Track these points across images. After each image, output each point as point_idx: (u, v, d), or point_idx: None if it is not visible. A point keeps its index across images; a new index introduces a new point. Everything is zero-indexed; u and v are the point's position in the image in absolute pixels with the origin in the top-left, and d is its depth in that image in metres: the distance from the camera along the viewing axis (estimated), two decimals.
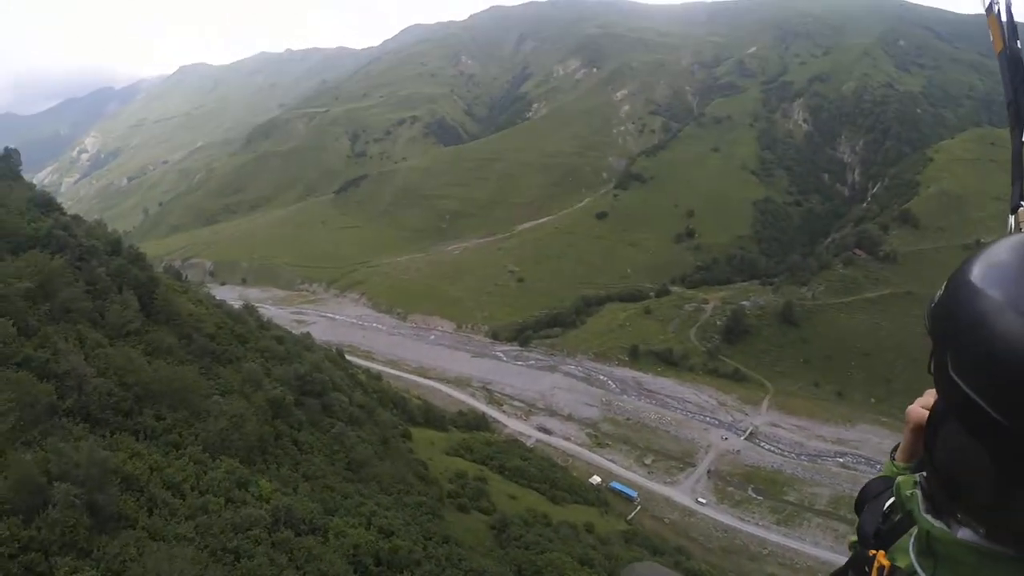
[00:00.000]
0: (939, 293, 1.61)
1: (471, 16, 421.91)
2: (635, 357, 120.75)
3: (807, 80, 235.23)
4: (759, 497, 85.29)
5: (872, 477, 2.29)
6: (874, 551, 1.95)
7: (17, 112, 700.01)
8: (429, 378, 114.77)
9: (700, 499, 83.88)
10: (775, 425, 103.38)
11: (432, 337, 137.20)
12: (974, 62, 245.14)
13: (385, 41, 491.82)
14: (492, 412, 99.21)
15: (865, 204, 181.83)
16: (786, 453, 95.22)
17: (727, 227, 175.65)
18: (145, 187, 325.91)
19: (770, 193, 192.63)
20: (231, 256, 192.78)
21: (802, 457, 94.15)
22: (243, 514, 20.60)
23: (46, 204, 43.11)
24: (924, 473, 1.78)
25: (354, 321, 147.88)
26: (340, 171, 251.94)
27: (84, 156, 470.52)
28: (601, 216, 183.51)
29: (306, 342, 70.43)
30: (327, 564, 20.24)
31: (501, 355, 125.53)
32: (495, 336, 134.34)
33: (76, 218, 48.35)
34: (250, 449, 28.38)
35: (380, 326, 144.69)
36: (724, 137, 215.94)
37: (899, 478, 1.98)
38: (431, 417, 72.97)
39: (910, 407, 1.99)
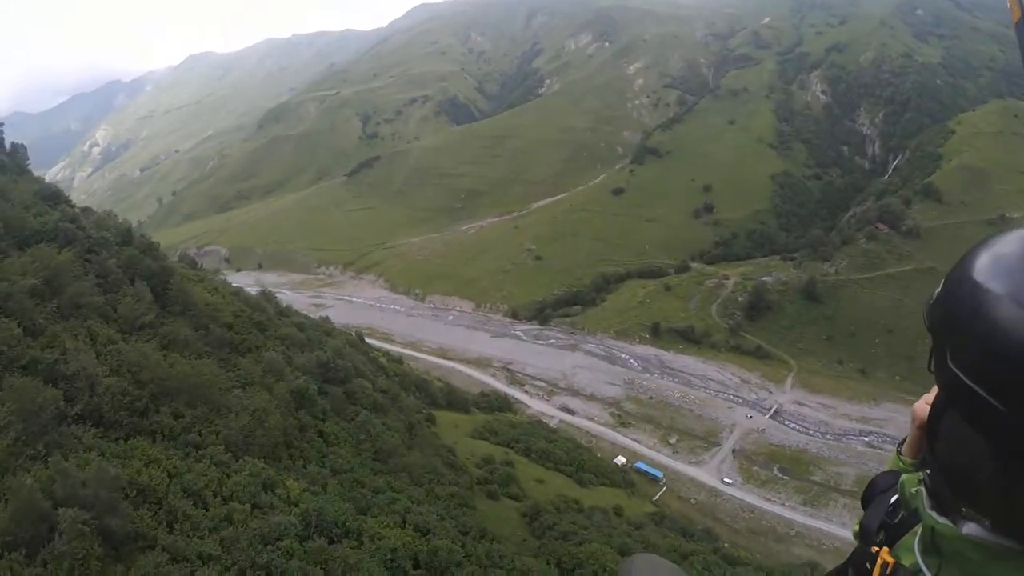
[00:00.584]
0: (937, 290, 1.66)
1: None
2: (656, 335, 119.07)
3: (824, 51, 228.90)
4: (785, 477, 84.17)
5: (879, 472, 2.29)
6: (877, 548, 1.96)
7: (26, 110, 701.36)
8: (449, 359, 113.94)
9: (726, 479, 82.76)
10: (800, 403, 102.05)
11: (451, 318, 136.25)
12: (994, 32, 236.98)
13: (393, 21, 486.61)
14: (514, 393, 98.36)
15: (886, 177, 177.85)
16: (811, 432, 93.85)
17: (745, 202, 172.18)
18: (158, 177, 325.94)
19: (788, 167, 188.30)
20: (246, 242, 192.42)
21: (827, 436, 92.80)
22: (272, 522, 19.16)
23: (53, 197, 41.53)
24: (928, 471, 1.79)
25: (372, 303, 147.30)
26: (352, 153, 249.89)
27: (95, 150, 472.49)
28: (617, 192, 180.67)
29: (326, 327, 69.44)
30: (365, 574, 18.87)
31: (521, 334, 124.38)
32: (514, 315, 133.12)
33: (86, 210, 47.11)
34: (275, 445, 26.99)
35: (398, 307, 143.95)
36: (740, 110, 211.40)
37: (904, 476, 2.00)
38: (454, 399, 72.22)
39: (916, 404, 1.98)
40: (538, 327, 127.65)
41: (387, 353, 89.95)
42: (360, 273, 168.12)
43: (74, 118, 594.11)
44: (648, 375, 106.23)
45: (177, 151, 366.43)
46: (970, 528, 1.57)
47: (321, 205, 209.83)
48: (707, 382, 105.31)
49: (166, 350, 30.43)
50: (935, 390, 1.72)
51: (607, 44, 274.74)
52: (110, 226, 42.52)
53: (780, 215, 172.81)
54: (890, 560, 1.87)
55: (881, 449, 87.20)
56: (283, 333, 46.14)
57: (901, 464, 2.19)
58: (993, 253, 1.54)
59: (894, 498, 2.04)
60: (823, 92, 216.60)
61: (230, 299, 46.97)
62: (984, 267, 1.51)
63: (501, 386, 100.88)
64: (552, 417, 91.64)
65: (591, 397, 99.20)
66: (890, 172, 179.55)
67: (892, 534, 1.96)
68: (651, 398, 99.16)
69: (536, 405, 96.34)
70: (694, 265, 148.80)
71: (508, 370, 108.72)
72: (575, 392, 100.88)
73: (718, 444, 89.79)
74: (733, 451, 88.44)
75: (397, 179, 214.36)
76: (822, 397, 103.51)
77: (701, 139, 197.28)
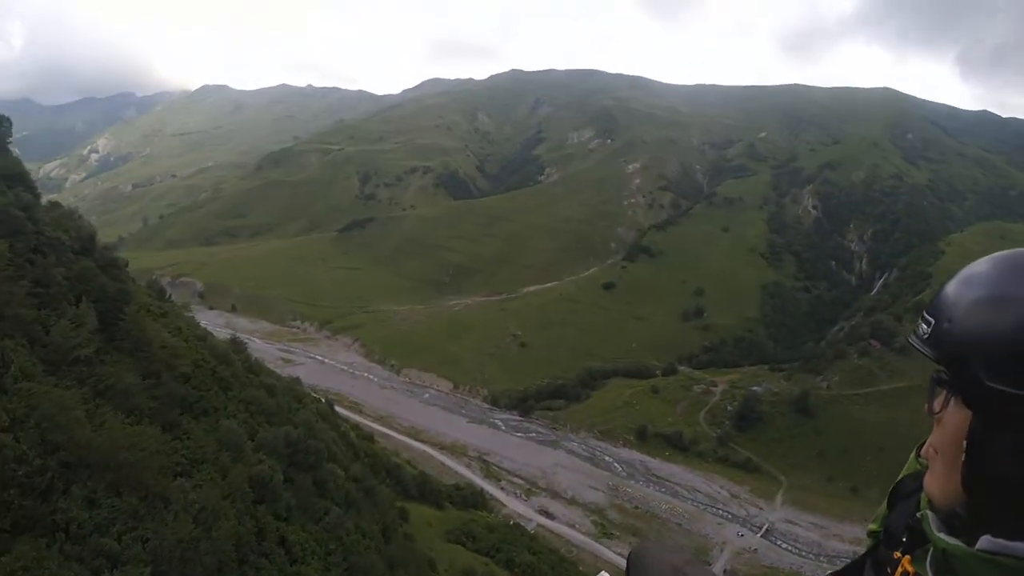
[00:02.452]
0: (932, 324, 1.71)
1: (490, 76, 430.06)
2: (643, 438, 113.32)
3: (817, 167, 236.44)
4: None
5: (905, 474, 2.24)
6: (899, 554, 1.93)
7: (36, 100, 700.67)
8: (421, 441, 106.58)
9: None
10: (791, 522, 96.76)
11: (427, 396, 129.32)
12: (978, 158, 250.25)
13: (405, 90, 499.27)
14: (489, 488, 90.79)
15: (875, 293, 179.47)
16: (804, 553, 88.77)
17: (735, 308, 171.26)
18: (149, 197, 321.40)
19: (779, 277, 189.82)
20: (224, 280, 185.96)
21: (821, 558, 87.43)
22: None
23: (16, 179, 35.49)
24: (966, 497, 1.72)
25: (344, 368, 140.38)
26: (347, 210, 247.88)
27: (94, 156, 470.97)
28: (608, 287, 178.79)
29: (297, 391, 63.14)
30: None
31: (500, 424, 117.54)
32: (494, 402, 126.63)
33: (53, 205, 40.82)
34: (221, 566, 20.69)
35: (372, 376, 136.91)
36: (735, 218, 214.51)
37: (923, 494, 1.94)
38: (427, 491, 65.34)
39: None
40: (519, 418, 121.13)
41: (356, 427, 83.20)
42: (336, 334, 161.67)
43: (80, 120, 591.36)
44: (633, 482, 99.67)
45: (174, 176, 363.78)
46: (984, 544, 1.56)
47: (307, 256, 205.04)
48: (695, 494, 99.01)
49: (98, 399, 24.19)
50: (943, 430, 1.75)
51: (608, 141, 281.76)
52: (71, 227, 36.05)
53: (769, 325, 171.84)
54: (911, 569, 1.86)
55: None
56: (249, 395, 39.92)
57: (919, 465, 2.13)
58: (1011, 267, 1.62)
59: (918, 503, 2.00)
60: (814, 207, 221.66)
61: (193, 344, 40.11)
62: (1010, 280, 1.57)
63: (476, 479, 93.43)
64: (530, 520, 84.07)
65: (572, 501, 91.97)
66: (877, 289, 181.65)
67: (914, 541, 1.92)
68: (636, 507, 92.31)
69: (513, 504, 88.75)
70: (682, 368, 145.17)
71: (484, 461, 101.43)
72: (555, 494, 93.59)
73: (708, 563, 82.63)
74: (724, 571, 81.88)
75: (388, 244, 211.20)
76: (814, 516, 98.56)
77: (695, 243, 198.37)
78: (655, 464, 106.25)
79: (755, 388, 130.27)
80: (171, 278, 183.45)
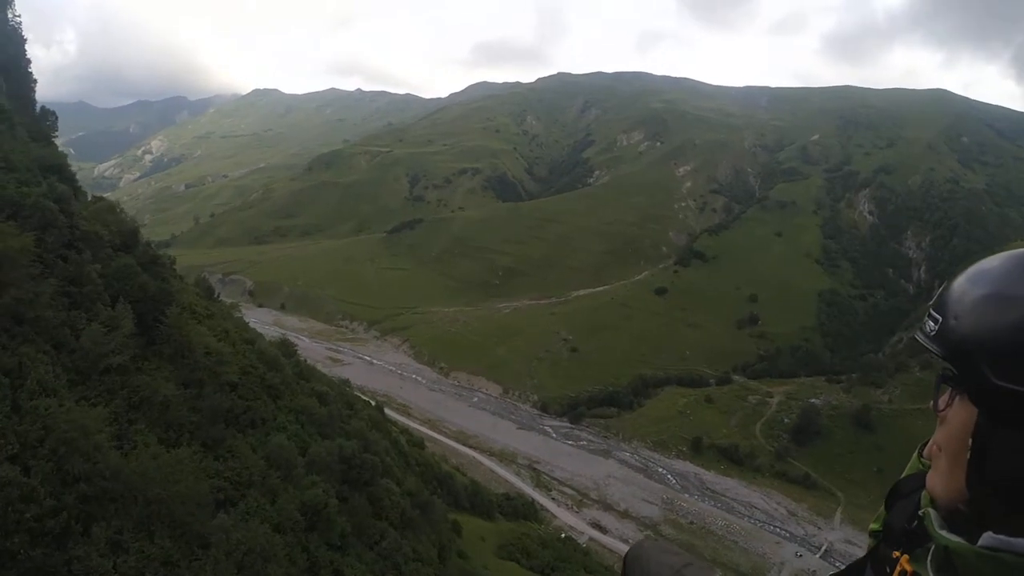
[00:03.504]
0: (939, 320, 1.71)
1: (538, 79, 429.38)
2: (697, 451, 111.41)
3: (872, 171, 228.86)
4: None
5: (905, 475, 2.26)
6: (898, 552, 1.95)
7: (91, 103, 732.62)
8: (470, 446, 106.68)
9: None
10: (850, 542, 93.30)
11: (476, 399, 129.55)
12: None
13: (452, 94, 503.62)
14: (539, 498, 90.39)
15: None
16: None
17: (791, 316, 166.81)
18: (201, 197, 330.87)
19: (835, 285, 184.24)
20: (274, 278, 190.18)
21: None
22: None
23: (55, 169, 33.49)
24: (970, 495, 1.75)
25: (392, 369, 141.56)
26: (396, 211, 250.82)
27: (148, 157, 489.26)
28: (660, 292, 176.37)
29: (347, 396, 63.32)
30: None
31: (550, 431, 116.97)
32: (544, 408, 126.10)
33: (95, 199, 38.86)
34: None
35: (420, 379, 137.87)
36: (788, 222, 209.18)
37: (924, 492, 1.95)
38: (478, 502, 65.02)
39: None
40: (569, 425, 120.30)
41: (406, 430, 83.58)
42: (385, 334, 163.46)
43: (135, 122, 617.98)
44: (688, 495, 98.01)
45: (225, 176, 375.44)
46: (986, 540, 1.58)
47: (356, 257, 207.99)
48: (752, 510, 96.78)
49: (132, 414, 21.79)
50: (948, 427, 1.77)
51: (658, 144, 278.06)
52: (111, 221, 32.88)
53: (826, 334, 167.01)
54: (909, 568, 1.88)
55: None
56: (300, 404, 38.03)
57: (921, 465, 2.17)
58: (1019, 265, 1.63)
59: (918, 502, 2.02)
60: (870, 212, 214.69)
61: (241, 348, 37.59)
62: (1018, 278, 1.59)
63: (526, 488, 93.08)
64: (581, 533, 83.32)
65: (625, 514, 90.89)
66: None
67: (912, 540, 1.93)
68: (691, 523, 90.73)
69: (564, 516, 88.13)
70: (736, 378, 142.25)
71: (534, 469, 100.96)
72: (607, 506, 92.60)
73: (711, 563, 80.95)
74: None
75: (437, 245, 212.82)
76: None
77: (748, 248, 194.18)
78: (710, 477, 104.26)
79: (813, 400, 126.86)
80: (221, 275, 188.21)
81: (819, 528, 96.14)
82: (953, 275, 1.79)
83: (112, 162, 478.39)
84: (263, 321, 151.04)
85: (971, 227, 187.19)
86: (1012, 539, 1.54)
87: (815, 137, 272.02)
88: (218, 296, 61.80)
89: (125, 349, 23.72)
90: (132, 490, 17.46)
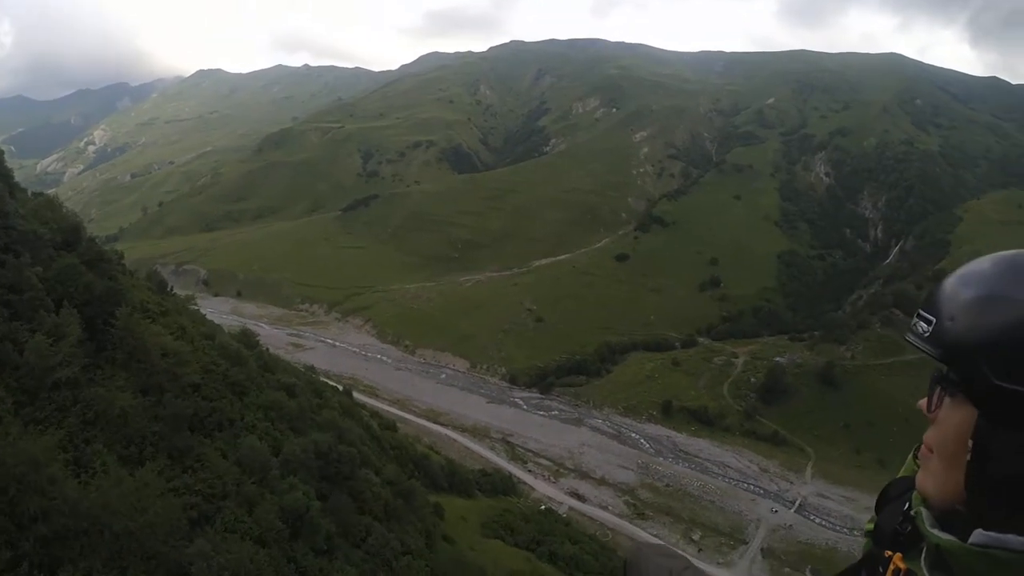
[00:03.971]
0: (933, 322, 1.74)
1: (491, 48, 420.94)
2: (667, 414, 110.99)
3: (828, 134, 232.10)
4: None
5: (895, 476, 2.28)
6: (890, 552, 1.96)
7: (31, 96, 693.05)
8: (441, 424, 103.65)
9: None
10: (822, 495, 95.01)
11: (443, 376, 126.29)
12: (990, 124, 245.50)
13: (403, 66, 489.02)
14: (516, 471, 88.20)
15: (891, 261, 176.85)
16: (838, 528, 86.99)
17: (752, 278, 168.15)
18: (147, 185, 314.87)
19: (793, 246, 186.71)
20: (228, 266, 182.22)
21: (855, 532, 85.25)
22: None
23: None
24: (969, 494, 1.75)
25: (356, 350, 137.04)
26: (350, 188, 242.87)
27: (91, 148, 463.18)
28: (622, 258, 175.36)
29: (315, 383, 59.70)
30: None
31: (521, 402, 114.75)
32: (513, 380, 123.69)
33: (37, 196, 36.28)
34: None
35: (385, 358, 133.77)
36: (746, 186, 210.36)
37: (915, 493, 1.98)
38: (456, 481, 62.34)
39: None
40: (539, 396, 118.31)
41: (376, 414, 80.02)
42: (347, 315, 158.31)
43: (75, 113, 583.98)
44: (662, 459, 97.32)
45: (172, 162, 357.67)
46: (976, 538, 1.60)
47: (312, 238, 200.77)
48: (725, 470, 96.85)
49: (88, 430, 19.43)
50: (941, 428, 1.79)
51: (614, 110, 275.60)
52: (50, 219, 30.99)
53: (787, 294, 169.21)
54: (902, 566, 1.89)
55: None
56: (268, 400, 35.42)
57: (916, 468, 2.14)
58: (1010, 268, 1.65)
59: (907, 504, 2.05)
60: (827, 174, 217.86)
61: (201, 345, 35.28)
62: (1015, 282, 1.60)
63: (502, 462, 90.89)
64: (560, 503, 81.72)
65: (602, 481, 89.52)
66: (892, 256, 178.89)
67: (906, 541, 1.96)
68: (668, 486, 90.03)
69: (541, 487, 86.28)
70: (701, 340, 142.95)
71: (508, 443, 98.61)
72: (584, 474, 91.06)
73: (745, 541, 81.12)
74: (762, 550, 79.96)
75: (394, 221, 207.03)
76: (844, 489, 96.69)
77: (707, 212, 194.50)
78: (682, 439, 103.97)
79: (778, 359, 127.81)
80: (174, 266, 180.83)
81: (791, 483, 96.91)
82: (943, 277, 1.80)
83: (54, 156, 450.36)
84: (220, 311, 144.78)
85: (926, 188, 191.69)
86: (1002, 536, 1.56)
87: (771, 101, 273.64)
88: (171, 290, 57.87)
89: (74, 360, 21.65)
90: (97, 524, 15.80)
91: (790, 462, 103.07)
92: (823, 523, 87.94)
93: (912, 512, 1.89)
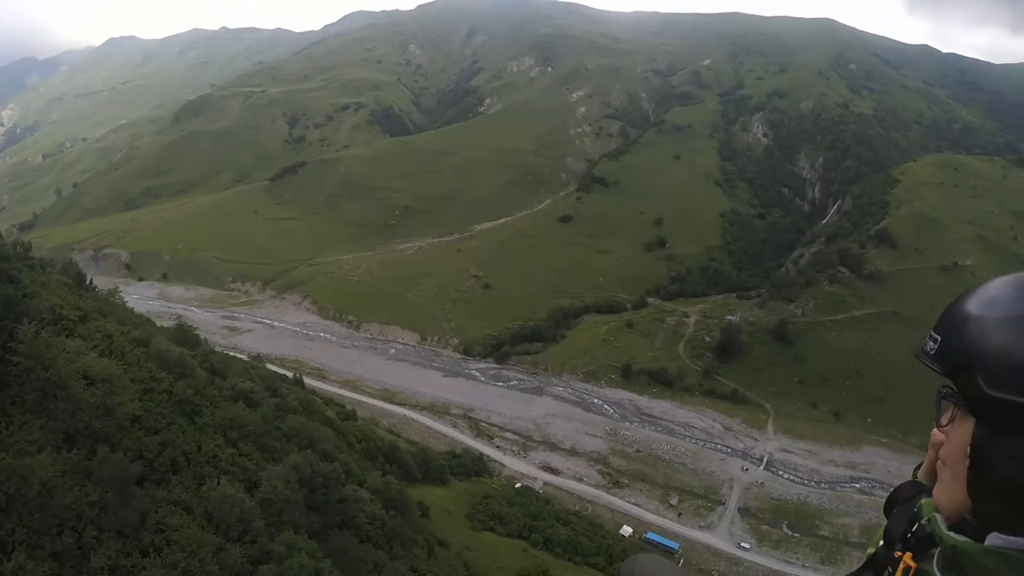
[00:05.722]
0: (938, 340, 1.92)
1: (419, 6, 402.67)
2: (627, 377, 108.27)
3: (765, 95, 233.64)
4: (795, 535, 77.50)
5: (902, 481, 2.36)
6: (900, 552, 2.05)
7: None
8: (397, 404, 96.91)
9: (743, 544, 73.59)
10: (787, 451, 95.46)
11: (393, 351, 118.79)
12: (920, 90, 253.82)
13: (327, 25, 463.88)
14: (484, 448, 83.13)
15: (828, 220, 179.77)
16: (806, 481, 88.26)
17: (697, 238, 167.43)
18: (60, 166, 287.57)
19: (735, 205, 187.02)
20: (151, 247, 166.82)
21: (822, 485, 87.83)
22: None
23: None
24: (974, 502, 1.87)
25: (297, 330, 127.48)
26: (276, 157, 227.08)
27: None
28: (565, 220, 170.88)
29: (269, 380, 51.39)
30: None
31: (478, 374, 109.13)
32: (467, 351, 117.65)
33: None
34: None
35: (330, 336, 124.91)
36: (685, 145, 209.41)
37: (924, 500, 2.09)
38: (429, 470, 56.63)
39: (934, 431, 2.07)
40: (496, 366, 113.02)
41: (329, 401, 72.05)
42: (283, 292, 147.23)
43: None
44: (628, 424, 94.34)
45: (85, 139, 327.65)
46: (993, 540, 1.70)
47: (239, 211, 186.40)
48: (691, 430, 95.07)
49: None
50: (951, 441, 1.92)
51: (549, 69, 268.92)
52: None
53: (731, 253, 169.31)
54: (913, 564, 1.96)
55: (873, 495, 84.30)
56: (226, 417, 29.06)
57: (914, 478, 2.33)
58: (1010, 290, 1.82)
59: (916, 508, 2.14)
60: (764, 135, 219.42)
61: (135, 356, 28.29)
62: (1012, 301, 1.78)
63: (467, 440, 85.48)
64: (534, 478, 77.21)
65: (572, 452, 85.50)
66: (830, 215, 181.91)
67: (915, 545, 2.02)
68: (638, 451, 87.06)
69: (512, 463, 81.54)
70: (651, 300, 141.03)
71: (470, 418, 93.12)
72: (553, 446, 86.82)
73: (721, 502, 79.63)
74: (739, 509, 78.70)
75: (324, 189, 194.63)
76: (805, 443, 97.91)
77: (648, 172, 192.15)
78: (644, 402, 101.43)
79: (729, 318, 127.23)
80: (93, 251, 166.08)
81: (756, 440, 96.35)
82: (954, 299, 1.94)
83: None
84: (146, 296, 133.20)
85: (861, 149, 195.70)
86: (1018, 538, 1.68)
87: (707, 62, 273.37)
88: (91, 283, 48.86)
89: None
90: None
91: (751, 419, 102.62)
92: (791, 478, 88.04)
93: (925, 518, 1.99)
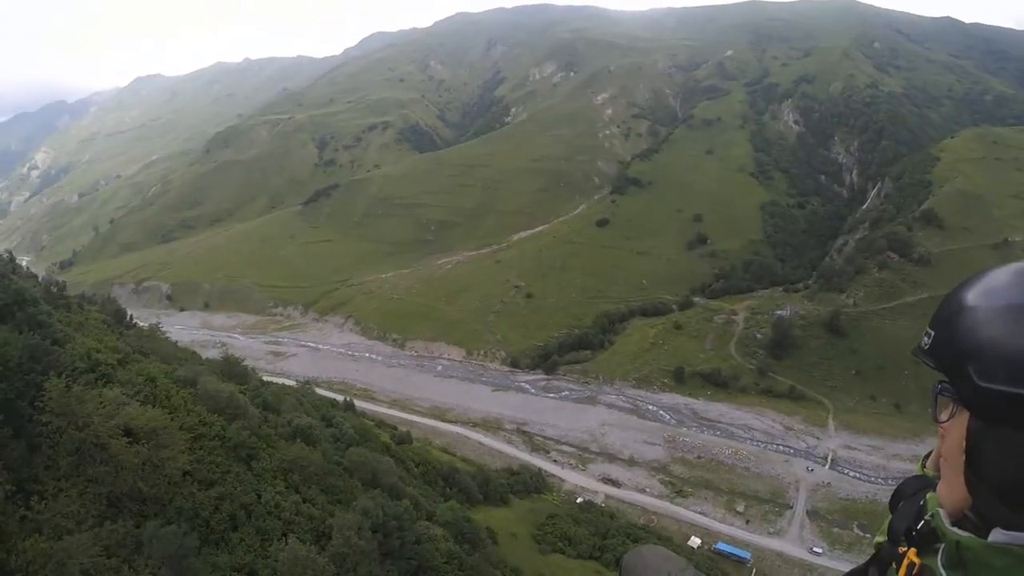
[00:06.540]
0: (932, 335, 1.96)
1: (436, 23, 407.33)
2: (680, 380, 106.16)
3: (792, 82, 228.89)
4: (868, 535, 73.32)
5: (907, 476, 2.38)
6: (904, 548, 2.05)
7: None
8: (449, 421, 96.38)
9: (815, 548, 70.64)
10: (850, 447, 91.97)
11: (439, 368, 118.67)
12: (947, 63, 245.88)
13: (347, 49, 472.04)
14: (541, 463, 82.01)
15: (869, 204, 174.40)
16: (873, 479, 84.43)
17: (738, 232, 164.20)
18: (96, 203, 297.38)
19: (773, 196, 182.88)
20: (191, 277, 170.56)
21: (889, 481, 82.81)
22: None
23: None
24: (973, 498, 1.88)
25: (342, 351, 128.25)
26: (308, 180, 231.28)
27: (34, 173, 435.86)
28: (602, 224, 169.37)
29: (322, 408, 51.57)
30: None
31: (527, 386, 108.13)
32: (514, 363, 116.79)
33: None
34: None
35: (375, 356, 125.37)
36: (717, 139, 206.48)
37: (929, 494, 2.09)
38: (489, 490, 55.51)
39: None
40: (545, 377, 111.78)
41: (381, 422, 72.08)
42: (324, 314, 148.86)
43: (15, 138, 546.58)
44: (686, 429, 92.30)
45: (118, 176, 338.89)
46: (996, 536, 1.70)
47: (275, 236, 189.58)
48: (751, 432, 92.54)
49: None
50: (949, 437, 1.94)
51: (572, 74, 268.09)
52: None
53: (773, 245, 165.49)
54: (917, 560, 1.96)
55: None
56: (286, 459, 27.27)
57: (922, 471, 2.33)
58: (999, 280, 1.83)
59: (921, 502, 2.14)
60: (795, 122, 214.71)
61: (181, 400, 26.46)
62: (1001, 290, 1.79)
63: (523, 455, 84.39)
64: (595, 492, 75.90)
65: (632, 462, 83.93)
66: (871, 199, 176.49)
67: (920, 540, 2.02)
68: (699, 457, 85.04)
69: (571, 477, 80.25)
70: (697, 300, 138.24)
71: (524, 432, 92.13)
72: (611, 457, 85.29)
73: (789, 506, 76.96)
74: (807, 512, 75.92)
75: (358, 209, 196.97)
76: (868, 438, 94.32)
77: (682, 169, 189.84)
78: (700, 406, 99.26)
79: (780, 313, 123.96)
80: (134, 285, 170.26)
81: (818, 439, 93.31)
82: (947, 294, 1.96)
83: None
84: (189, 326, 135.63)
85: (896, 129, 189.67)
86: (1022, 534, 1.69)
87: (729, 53, 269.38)
88: (131, 319, 48.66)
89: None
90: None
91: (811, 416, 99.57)
92: (858, 476, 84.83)
93: (928, 514, 1.99)
